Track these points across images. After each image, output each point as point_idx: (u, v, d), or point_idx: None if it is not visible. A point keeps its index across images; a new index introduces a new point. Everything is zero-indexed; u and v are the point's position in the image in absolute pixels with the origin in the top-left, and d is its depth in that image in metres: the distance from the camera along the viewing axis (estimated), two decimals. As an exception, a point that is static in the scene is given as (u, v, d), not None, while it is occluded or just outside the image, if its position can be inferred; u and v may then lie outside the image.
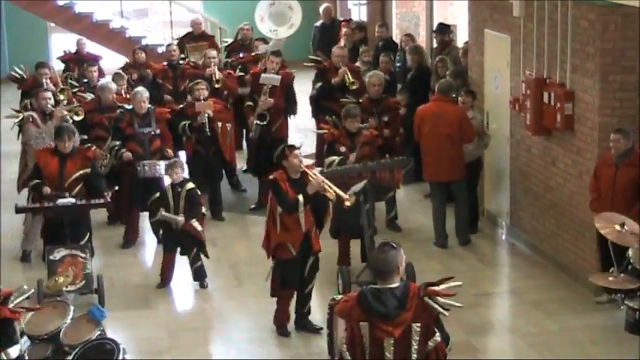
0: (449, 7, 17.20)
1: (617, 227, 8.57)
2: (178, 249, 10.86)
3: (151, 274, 11.48)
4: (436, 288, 6.06)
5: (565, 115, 10.59)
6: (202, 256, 10.86)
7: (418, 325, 5.99)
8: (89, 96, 13.46)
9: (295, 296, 9.62)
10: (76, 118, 12.86)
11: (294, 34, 18.40)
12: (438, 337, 6.08)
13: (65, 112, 12.37)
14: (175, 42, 15.38)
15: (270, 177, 9.42)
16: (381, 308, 5.96)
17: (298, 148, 9.47)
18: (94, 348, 8.06)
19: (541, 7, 11.05)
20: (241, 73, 14.50)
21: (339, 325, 7.28)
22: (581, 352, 9.08)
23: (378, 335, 5.98)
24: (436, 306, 6.00)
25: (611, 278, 8.57)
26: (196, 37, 16.18)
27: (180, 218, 10.64)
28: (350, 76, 13.35)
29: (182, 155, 12.96)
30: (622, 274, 8.56)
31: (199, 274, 10.88)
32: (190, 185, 10.87)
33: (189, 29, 16.85)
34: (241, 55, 15.68)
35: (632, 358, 8.72)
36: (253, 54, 15.21)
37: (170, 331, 9.98)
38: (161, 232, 11.25)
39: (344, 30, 16.93)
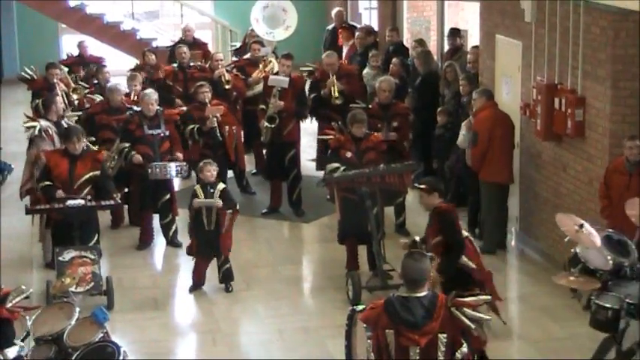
0: (460, 12, 17.17)
1: (576, 227, 8.54)
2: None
3: (160, 276, 11.49)
4: (464, 299, 6.04)
5: (576, 122, 10.56)
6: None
7: (444, 335, 5.97)
8: (98, 97, 13.50)
9: None
10: (74, 97, 13.07)
11: (304, 38, 18.33)
12: (465, 347, 6.05)
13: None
14: (184, 47, 15.18)
15: None
16: (409, 317, 5.93)
17: None
18: (95, 350, 8.06)
19: (553, 13, 11.02)
20: (242, 77, 14.47)
21: (358, 337, 7.25)
22: (589, 360, 9.05)
23: (403, 343, 5.96)
24: (463, 318, 5.98)
25: (572, 278, 8.49)
26: (189, 45, 15.94)
27: (219, 201, 10.55)
28: (336, 90, 13.32)
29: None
30: (581, 274, 8.46)
31: (227, 277, 10.81)
32: (223, 185, 10.80)
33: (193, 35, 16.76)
34: (235, 58, 15.61)
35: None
36: (247, 56, 15.18)
37: (178, 334, 9.99)
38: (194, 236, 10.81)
39: (357, 34, 16.88)
